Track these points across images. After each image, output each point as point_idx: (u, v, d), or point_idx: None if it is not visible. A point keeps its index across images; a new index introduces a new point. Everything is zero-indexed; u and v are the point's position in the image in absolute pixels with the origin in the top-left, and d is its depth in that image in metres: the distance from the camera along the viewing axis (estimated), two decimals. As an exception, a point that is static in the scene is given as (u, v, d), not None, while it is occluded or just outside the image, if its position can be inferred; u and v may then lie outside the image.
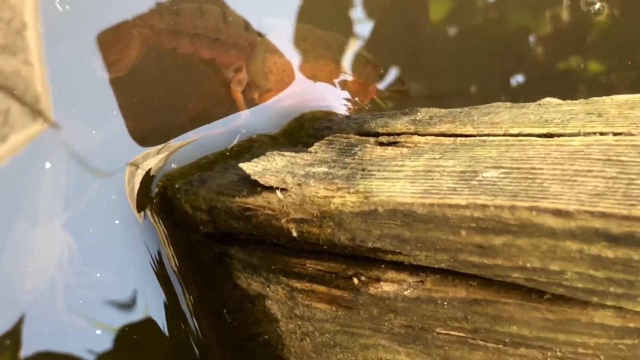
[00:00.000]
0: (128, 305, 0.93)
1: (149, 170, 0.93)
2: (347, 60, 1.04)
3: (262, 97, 0.98)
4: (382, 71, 1.04)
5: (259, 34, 1.01)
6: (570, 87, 1.11)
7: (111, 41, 0.98)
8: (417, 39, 1.13)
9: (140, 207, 0.92)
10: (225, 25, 0.99)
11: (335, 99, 0.99)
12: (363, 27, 1.09)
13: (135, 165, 0.93)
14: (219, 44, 0.99)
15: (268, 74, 0.99)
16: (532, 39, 1.13)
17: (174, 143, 0.94)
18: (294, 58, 1.01)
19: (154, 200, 0.90)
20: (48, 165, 0.94)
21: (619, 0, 1.14)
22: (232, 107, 0.99)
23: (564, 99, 0.78)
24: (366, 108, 1.00)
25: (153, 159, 0.93)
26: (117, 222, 0.93)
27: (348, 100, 1.00)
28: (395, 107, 1.02)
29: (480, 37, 1.13)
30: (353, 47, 1.05)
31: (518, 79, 1.11)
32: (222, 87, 0.99)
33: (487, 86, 1.11)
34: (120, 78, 0.98)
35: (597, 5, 1.08)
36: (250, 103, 0.99)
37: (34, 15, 0.98)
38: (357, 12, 1.09)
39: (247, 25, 1.01)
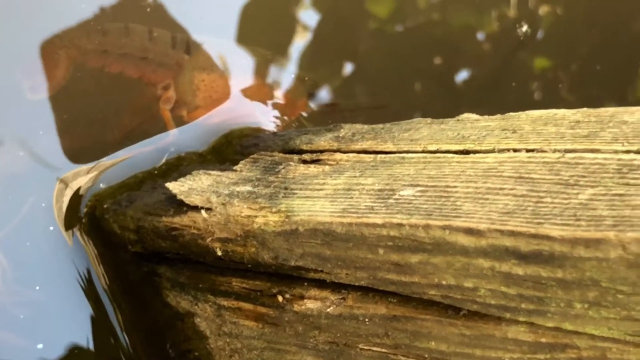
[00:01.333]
0: (62, 322, 0.92)
1: (78, 189, 0.92)
2: (275, 76, 1.04)
3: (190, 115, 0.98)
4: (312, 87, 1.04)
5: (187, 52, 1.00)
6: (518, 84, 1.12)
7: (39, 62, 0.98)
8: (352, 48, 1.13)
9: (68, 226, 0.91)
10: (151, 44, 0.99)
11: (263, 116, 1.00)
12: (292, 39, 1.09)
13: (65, 183, 0.93)
14: (145, 62, 0.99)
15: (196, 91, 0.99)
16: (477, 36, 1.14)
17: (104, 162, 0.93)
18: (221, 75, 1.01)
19: (83, 220, 0.90)
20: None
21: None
22: (162, 124, 0.98)
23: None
24: (293, 125, 1.00)
25: (82, 178, 0.93)
26: (49, 234, 0.92)
27: (276, 116, 1.00)
28: (325, 122, 1.02)
29: (422, 38, 1.14)
30: (281, 62, 1.05)
31: (462, 76, 1.12)
32: (152, 103, 0.99)
33: (428, 89, 1.11)
34: (49, 98, 0.97)
35: (524, 28, 1.09)
36: (179, 120, 0.98)
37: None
38: (289, 24, 1.09)
39: (174, 43, 1.00)
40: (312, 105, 1.04)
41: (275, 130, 0.98)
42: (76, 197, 0.92)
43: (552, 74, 1.12)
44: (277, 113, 1.01)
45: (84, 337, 0.90)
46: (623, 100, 1.12)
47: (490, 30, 1.14)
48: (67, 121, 0.97)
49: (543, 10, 1.14)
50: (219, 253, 0.75)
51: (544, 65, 1.12)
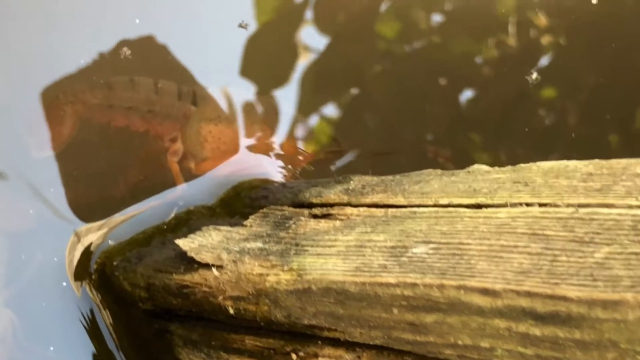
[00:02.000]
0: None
1: (89, 245, 0.92)
2: (281, 123, 1.04)
3: (198, 167, 0.98)
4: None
5: (193, 103, 1.00)
6: (526, 113, 1.11)
7: (44, 119, 0.98)
8: (359, 73, 1.13)
9: (78, 279, 0.91)
10: (157, 97, 0.99)
11: (271, 166, 0.99)
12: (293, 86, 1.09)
13: (77, 237, 0.92)
14: (152, 115, 0.99)
15: (204, 142, 0.99)
16: (480, 62, 1.14)
17: (113, 219, 0.93)
18: (229, 125, 1.01)
19: (93, 277, 0.89)
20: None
21: (564, 30, 1.15)
22: (170, 176, 0.98)
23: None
24: (297, 175, 0.99)
25: (93, 234, 0.92)
26: (62, 290, 0.92)
27: (284, 166, 1.00)
28: (330, 168, 1.02)
29: (426, 60, 1.14)
30: (287, 110, 1.05)
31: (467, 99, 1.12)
32: (159, 155, 0.99)
33: (434, 112, 1.11)
34: (56, 155, 0.97)
35: (534, 75, 1.09)
36: (187, 173, 0.98)
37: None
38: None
39: (180, 94, 1.00)
40: (318, 151, 1.03)
41: (283, 181, 0.97)
42: (86, 253, 0.91)
43: (559, 103, 1.12)
44: (284, 163, 1.01)
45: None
46: (627, 129, 1.12)
47: (490, 56, 1.14)
48: (75, 176, 0.96)
49: (545, 40, 1.14)
50: (231, 311, 0.75)
51: (551, 96, 1.11)
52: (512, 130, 1.11)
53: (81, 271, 0.91)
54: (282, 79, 1.09)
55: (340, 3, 1.15)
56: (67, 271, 0.92)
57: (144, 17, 1.05)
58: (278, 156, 1.01)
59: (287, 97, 1.08)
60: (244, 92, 1.04)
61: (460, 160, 1.05)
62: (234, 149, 0.99)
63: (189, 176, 0.98)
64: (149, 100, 0.99)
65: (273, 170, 0.99)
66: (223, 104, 1.02)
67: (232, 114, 1.02)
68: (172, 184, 0.97)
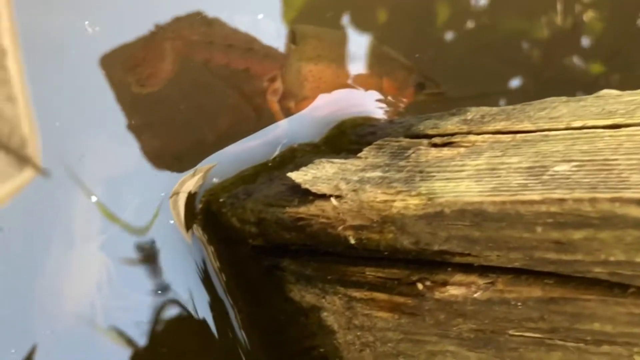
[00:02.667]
0: (175, 318, 0.91)
1: (190, 191, 0.90)
2: (380, 63, 1.02)
3: (298, 106, 0.97)
4: (420, 76, 1.01)
5: (293, 41, 0.99)
6: (574, 88, 1.09)
7: (143, 56, 0.96)
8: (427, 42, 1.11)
9: (188, 227, 0.89)
10: (258, 34, 0.98)
11: (373, 104, 0.97)
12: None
13: (176, 193, 0.91)
14: (252, 53, 0.97)
15: (304, 82, 0.97)
16: (528, 43, 1.12)
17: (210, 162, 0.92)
18: (329, 65, 0.99)
19: (199, 217, 0.88)
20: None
21: (607, 3, 1.13)
22: (266, 118, 0.97)
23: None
24: (400, 114, 0.98)
25: (192, 180, 0.91)
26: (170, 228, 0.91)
27: (386, 104, 0.98)
28: (432, 110, 1.00)
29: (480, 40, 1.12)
30: (386, 50, 1.03)
31: (516, 82, 1.10)
32: (258, 95, 0.97)
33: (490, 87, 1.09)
34: (154, 93, 0.96)
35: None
36: (287, 112, 0.97)
37: (11, 39, 0.95)
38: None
39: (279, 33, 0.99)
40: (418, 93, 1.01)
41: (388, 118, 0.95)
42: (191, 198, 0.90)
43: (604, 79, 1.10)
44: (385, 102, 0.99)
45: (202, 333, 0.88)
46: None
47: (541, 36, 1.11)
48: (173, 117, 0.95)
49: (588, 15, 1.11)
50: (352, 241, 0.73)
51: (599, 71, 1.09)
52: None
53: (188, 216, 0.90)
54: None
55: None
56: (175, 219, 0.90)
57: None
58: (379, 95, 0.99)
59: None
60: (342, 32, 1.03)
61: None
62: (334, 88, 0.97)
63: (288, 116, 0.96)
64: (248, 38, 0.97)
65: (375, 108, 0.97)
66: (323, 43, 1.00)
67: (333, 52, 1.00)
68: (272, 123, 0.96)
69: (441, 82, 1.01)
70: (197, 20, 0.98)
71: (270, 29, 0.99)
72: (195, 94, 0.99)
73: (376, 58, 1.02)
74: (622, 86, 0.85)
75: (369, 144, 0.84)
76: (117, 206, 0.93)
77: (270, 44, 0.98)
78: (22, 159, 0.91)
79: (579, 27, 1.11)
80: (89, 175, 0.93)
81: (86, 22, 0.95)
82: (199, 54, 0.97)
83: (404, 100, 0.99)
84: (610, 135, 0.66)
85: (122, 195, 0.94)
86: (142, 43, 0.97)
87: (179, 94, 0.98)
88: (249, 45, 0.98)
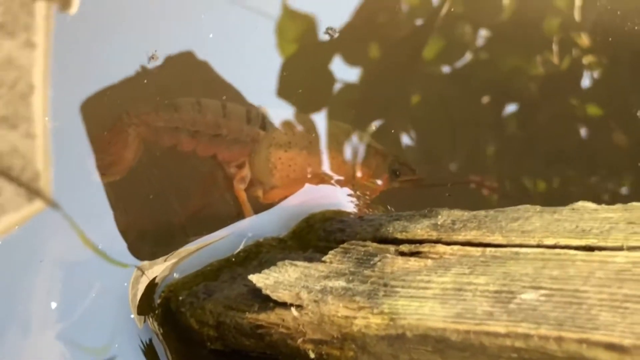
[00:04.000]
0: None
1: (154, 278, 0.88)
2: (353, 151, 1.00)
3: (267, 195, 0.94)
4: (394, 162, 0.99)
5: (262, 127, 0.97)
6: (570, 129, 1.08)
7: (107, 141, 0.94)
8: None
9: (141, 313, 0.87)
10: (225, 120, 0.96)
11: (344, 196, 0.95)
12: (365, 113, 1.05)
13: (141, 269, 0.89)
14: (219, 140, 0.95)
15: (272, 169, 0.95)
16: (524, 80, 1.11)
17: (179, 250, 0.89)
18: (299, 152, 0.97)
19: (157, 311, 0.86)
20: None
21: (607, 50, 1.12)
22: (234, 206, 0.94)
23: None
24: (371, 206, 0.95)
25: (158, 266, 0.89)
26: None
27: (358, 193, 0.96)
28: (409, 197, 0.98)
29: (473, 80, 1.11)
30: (359, 136, 1.01)
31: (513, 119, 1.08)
32: (225, 182, 0.95)
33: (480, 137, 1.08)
34: (117, 180, 0.94)
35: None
36: (255, 201, 0.95)
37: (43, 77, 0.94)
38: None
39: (249, 118, 0.97)
40: (393, 181, 0.99)
41: (357, 211, 0.93)
42: (150, 286, 0.88)
43: (602, 121, 1.08)
44: (358, 191, 0.97)
45: None
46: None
47: (537, 73, 1.10)
48: (135, 204, 0.93)
49: (587, 59, 1.10)
50: (312, 355, 0.71)
51: (596, 113, 1.08)
52: (562, 153, 1.07)
53: (144, 303, 0.87)
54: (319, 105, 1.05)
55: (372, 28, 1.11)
56: (129, 298, 0.88)
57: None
58: (351, 183, 0.97)
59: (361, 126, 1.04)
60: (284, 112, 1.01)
61: (510, 193, 1.02)
62: (304, 177, 0.95)
63: (256, 205, 0.94)
64: (216, 123, 0.96)
65: (346, 200, 0.95)
66: (294, 129, 0.98)
67: (304, 139, 0.98)
68: (239, 213, 0.93)
69: (416, 168, 0.99)
70: (163, 105, 0.96)
71: (238, 113, 0.97)
72: (160, 179, 0.97)
73: (349, 144, 0.99)
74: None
75: (337, 241, 0.82)
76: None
77: (239, 129, 0.96)
78: (32, 192, 0.90)
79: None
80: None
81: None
82: (165, 141, 0.95)
83: (379, 187, 0.97)
84: (582, 260, 0.64)
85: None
86: (104, 128, 0.95)
87: (146, 179, 0.96)
88: (216, 131, 0.96)
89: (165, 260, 0.89)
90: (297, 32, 1.08)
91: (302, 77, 1.05)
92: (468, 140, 1.08)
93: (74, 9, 1.06)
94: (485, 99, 1.09)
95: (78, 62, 1.03)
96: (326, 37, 1.06)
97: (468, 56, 1.11)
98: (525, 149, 1.08)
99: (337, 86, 1.07)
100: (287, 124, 0.99)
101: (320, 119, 1.02)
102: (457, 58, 1.10)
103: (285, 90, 1.03)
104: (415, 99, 1.09)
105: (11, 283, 0.91)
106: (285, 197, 0.93)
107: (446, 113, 1.09)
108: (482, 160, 1.07)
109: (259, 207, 0.95)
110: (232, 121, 0.96)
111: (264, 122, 0.98)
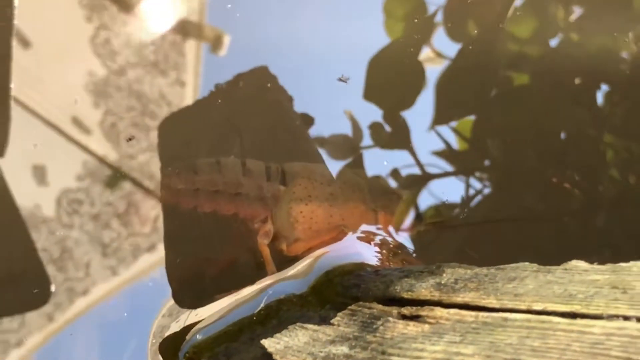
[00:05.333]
0: None
1: (178, 333, 0.93)
2: (374, 198, 1.03)
3: (290, 248, 0.98)
4: (416, 207, 1.02)
5: (282, 182, 1.00)
6: None
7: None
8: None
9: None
10: (245, 179, 0.99)
11: (365, 247, 0.98)
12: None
13: (164, 328, 0.93)
14: (240, 198, 0.99)
15: (294, 223, 0.99)
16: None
17: (204, 309, 0.94)
18: (320, 204, 1.00)
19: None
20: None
21: None
22: (261, 260, 0.98)
23: None
24: (391, 258, 0.98)
25: (180, 323, 0.93)
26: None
27: (379, 245, 0.99)
28: (433, 240, 1.00)
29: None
30: (380, 183, 1.04)
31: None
32: (249, 237, 0.99)
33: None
34: (139, 241, 0.98)
35: None
36: (279, 254, 0.98)
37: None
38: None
39: (269, 175, 1.00)
40: (418, 222, 1.02)
41: (378, 264, 0.96)
42: (176, 341, 0.92)
43: None
44: (381, 240, 0.99)
45: None
46: None
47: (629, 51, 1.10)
48: (167, 263, 0.98)
49: None
50: (318, 422, 0.74)
51: None
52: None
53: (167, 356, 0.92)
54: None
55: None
56: (147, 345, 0.93)
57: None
58: (374, 227, 1.00)
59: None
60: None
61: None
62: (326, 229, 0.98)
63: (280, 258, 0.98)
64: (237, 182, 0.99)
65: (368, 252, 0.98)
66: (314, 182, 1.02)
67: (324, 191, 1.01)
68: (262, 269, 0.97)
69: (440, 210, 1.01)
70: (183, 167, 1.00)
71: (258, 170, 1.00)
72: (184, 240, 1.01)
73: (370, 192, 1.02)
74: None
75: (352, 298, 0.86)
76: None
77: (259, 186, 1.00)
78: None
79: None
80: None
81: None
82: (185, 203, 0.99)
83: (404, 232, 1.00)
84: (563, 330, 0.66)
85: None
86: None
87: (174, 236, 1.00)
88: (237, 190, 0.99)
89: (187, 318, 0.93)
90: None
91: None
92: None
93: (224, 51, 1.12)
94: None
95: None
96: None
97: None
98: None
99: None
100: (306, 178, 1.02)
101: (338, 168, 1.04)
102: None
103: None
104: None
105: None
106: (309, 249, 0.97)
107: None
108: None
109: (284, 261, 0.98)
110: (252, 179, 1.00)
111: (283, 177, 1.01)
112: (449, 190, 1.06)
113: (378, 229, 1.00)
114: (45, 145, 1.06)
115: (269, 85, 1.07)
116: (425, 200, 1.05)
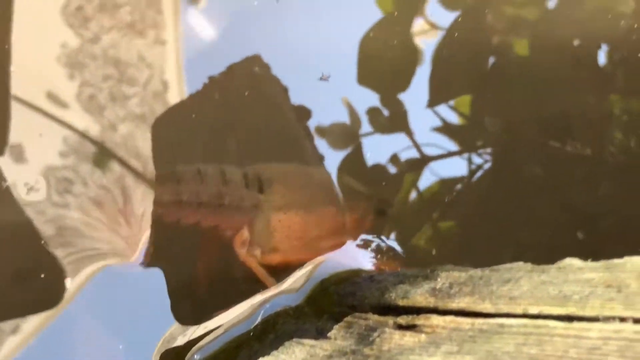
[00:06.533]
0: None
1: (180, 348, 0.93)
2: (345, 198, 1.02)
3: (265, 257, 0.97)
4: (380, 204, 1.01)
5: (260, 190, 0.99)
6: None
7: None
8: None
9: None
10: (226, 188, 0.98)
11: (360, 252, 0.97)
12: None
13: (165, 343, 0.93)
14: (222, 209, 0.98)
15: (273, 232, 0.98)
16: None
17: (198, 330, 0.93)
18: (297, 211, 0.99)
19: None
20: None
21: None
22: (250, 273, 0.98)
23: None
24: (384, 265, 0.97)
25: (185, 337, 0.93)
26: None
27: (374, 250, 0.98)
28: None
29: None
30: (347, 181, 1.03)
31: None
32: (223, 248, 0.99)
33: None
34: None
35: None
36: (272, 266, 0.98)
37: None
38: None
39: (247, 182, 0.99)
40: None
41: (373, 268, 0.95)
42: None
43: None
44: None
45: None
46: None
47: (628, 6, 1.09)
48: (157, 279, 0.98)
49: None
50: None
51: None
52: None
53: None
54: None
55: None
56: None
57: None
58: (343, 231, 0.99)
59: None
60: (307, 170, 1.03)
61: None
62: (305, 238, 0.97)
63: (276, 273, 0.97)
64: (218, 193, 0.99)
65: (361, 256, 0.97)
66: (290, 188, 1.01)
67: (301, 196, 1.00)
68: (256, 281, 0.97)
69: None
70: (166, 177, 0.99)
71: (236, 178, 0.99)
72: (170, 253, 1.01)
73: (342, 193, 1.01)
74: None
75: (349, 306, 0.85)
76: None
77: (239, 195, 0.99)
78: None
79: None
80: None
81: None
82: (170, 215, 0.99)
83: (362, 230, 0.98)
84: (559, 334, 0.66)
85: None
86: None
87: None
88: (219, 201, 0.98)
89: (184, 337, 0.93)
90: None
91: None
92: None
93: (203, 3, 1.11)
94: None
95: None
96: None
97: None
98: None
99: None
100: (282, 184, 1.01)
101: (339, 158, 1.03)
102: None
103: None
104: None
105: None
106: (286, 260, 0.96)
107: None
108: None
109: (280, 274, 0.97)
110: (232, 188, 0.99)
111: (260, 184, 1.00)
112: (449, 167, 1.05)
113: (347, 231, 0.99)
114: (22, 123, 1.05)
115: (256, 69, 1.05)
116: (427, 180, 1.04)
